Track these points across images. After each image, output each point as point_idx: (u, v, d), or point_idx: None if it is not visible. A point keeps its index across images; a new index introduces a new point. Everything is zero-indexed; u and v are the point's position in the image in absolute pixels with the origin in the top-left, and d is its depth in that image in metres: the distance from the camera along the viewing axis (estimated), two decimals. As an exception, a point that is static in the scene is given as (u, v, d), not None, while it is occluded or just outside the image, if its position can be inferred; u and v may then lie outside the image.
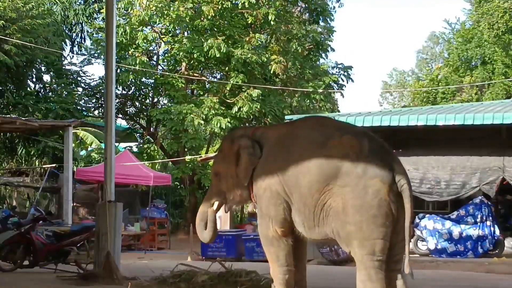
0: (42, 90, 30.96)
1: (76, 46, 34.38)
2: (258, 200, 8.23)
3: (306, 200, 7.60)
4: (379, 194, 7.23)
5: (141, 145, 31.23)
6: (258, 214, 8.38)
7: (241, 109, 25.65)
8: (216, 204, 8.78)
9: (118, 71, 25.47)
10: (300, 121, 8.96)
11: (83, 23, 33.27)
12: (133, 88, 29.56)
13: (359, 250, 7.29)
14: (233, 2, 26.75)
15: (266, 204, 8.06)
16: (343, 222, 7.34)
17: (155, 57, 29.45)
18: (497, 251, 18.60)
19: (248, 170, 8.28)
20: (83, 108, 30.21)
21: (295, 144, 7.85)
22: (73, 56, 34.06)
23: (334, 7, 31.00)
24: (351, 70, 30.59)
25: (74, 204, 23.47)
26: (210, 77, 29.51)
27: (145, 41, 27.06)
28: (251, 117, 27.24)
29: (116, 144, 23.73)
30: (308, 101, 29.76)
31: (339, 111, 33.80)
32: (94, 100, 30.53)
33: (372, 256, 7.20)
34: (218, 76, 29.71)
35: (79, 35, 34.13)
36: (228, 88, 26.74)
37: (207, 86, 28.43)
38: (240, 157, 8.37)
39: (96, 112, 31.05)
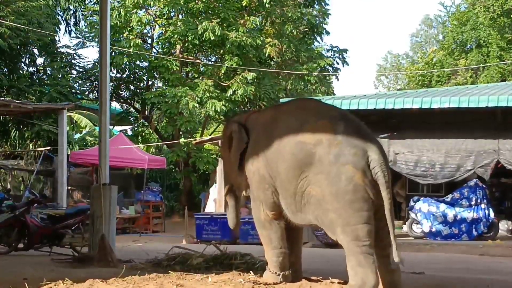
0: (35, 73, 30.86)
1: (69, 28, 34.27)
2: (250, 183, 8.24)
3: (286, 186, 7.57)
4: (352, 180, 7.12)
5: (135, 128, 31.19)
6: (251, 197, 8.38)
7: (236, 92, 25.63)
8: (227, 188, 8.81)
9: (113, 54, 25.39)
10: (285, 104, 8.95)
11: (76, 8, 33.13)
12: (127, 71, 29.50)
13: (343, 236, 7.21)
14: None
15: (256, 188, 8.07)
16: (324, 210, 7.27)
17: (150, 40, 29.39)
18: (491, 233, 18.68)
19: (236, 155, 8.29)
20: (78, 91, 30.15)
21: (276, 128, 7.81)
22: (69, 38, 34.05)
23: (329, -10, 30.97)
24: (346, 53, 30.59)
25: (69, 187, 23.47)
26: (205, 60, 29.47)
27: (139, 23, 26.99)
28: (246, 100, 27.22)
29: (111, 127, 23.74)
30: (302, 84, 29.73)
31: (334, 94, 33.76)
32: (88, 83, 30.47)
33: (358, 241, 7.11)
34: (213, 59, 29.68)
35: (72, 18, 33.99)
36: (222, 71, 26.72)
37: (201, 69, 28.39)
38: (233, 141, 8.38)
39: (90, 95, 31.00)
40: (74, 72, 30.71)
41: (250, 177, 8.12)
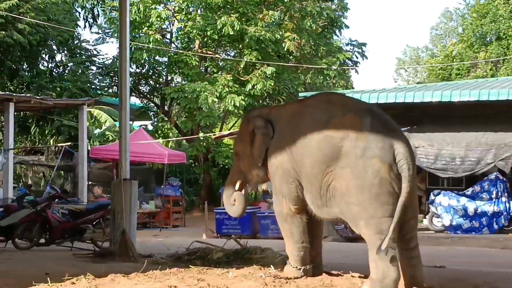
0: (55, 69, 31.02)
1: (88, 24, 34.41)
2: (272, 177, 8.23)
3: (311, 180, 7.56)
4: (379, 174, 7.13)
5: (155, 124, 31.26)
6: (273, 191, 8.38)
7: (255, 86, 25.62)
8: (238, 183, 8.75)
9: (132, 49, 25.47)
10: (310, 98, 8.88)
11: (94, 5, 33.27)
12: (147, 66, 29.61)
13: (366, 230, 7.22)
14: (247, -21, 26.69)
15: (279, 182, 8.05)
16: (348, 203, 7.27)
17: (169, 35, 29.44)
18: (512, 227, 18.60)
19: (261, 150, 8.26)
20: (97, 87, 30.31)
21: (302, 122, 7.79)
22: (90, 32, 34.28)
23: (348, -16, 30.90)
24: (365, 47, 30.55)
25: (89, 182, 23.57)
26: (224, 55, 29.49)
27: (158, 19, 27.03)
28: (265, 94, 27.21)
29: (131, 122, 23.79)
30: (322, 78, 29.70)
31: (353, 88, 33.73)
32: (108, 79, 30.60)
33: (380, 235, 7.10)
34: (232, 54, 29.69)
35: (90, 14, 34.12)
36: (241, 66, 26.72)
37: (220, 64, 28.41)
38: (255, 137, 8.34)
39: (110, 91, 31.12)
40: (94, 68, 30.89)
41: (273, 171, 8.10)
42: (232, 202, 8.77)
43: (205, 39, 27.40)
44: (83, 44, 31.55)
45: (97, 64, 30.93)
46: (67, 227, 14.18)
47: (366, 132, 7.27)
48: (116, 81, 28.78)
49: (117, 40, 27.12)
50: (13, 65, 27.93)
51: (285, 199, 8.01)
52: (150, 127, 30.93)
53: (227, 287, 6.91)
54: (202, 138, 27.03)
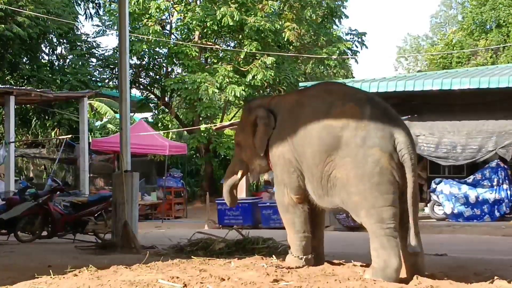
0: (56, 62, 30.99)
1: (88, 15, 34.32)
2: (274, 167, 8.22)
3: (312, 170, 7.56)
4: (379, 163, 7.12)
5: (156, 115, 31.25)
6: (275, 181, 8.38)
7: (256, 77, 25.62)
8: (240, 173, 8.76)
9: (132, 41, 25.41)
10: (310, 88, 8.86)
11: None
12: (146, 58, 29.57)
13: (367, 219, 7.21)
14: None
15: (281, 172, 8.05)
16: (349, 193, 7.26)
17: (168, 26, 29.42)
18: (513, 214, 18.61)
19: (263, 141, 8.25)
20: (98, 79, 30.28)
21: (302, 112, 7.78)
22: (91, 25, 34.12)
23: (347, -27, 30.84)
24: (365, 36, 30.50)
25: (91, 174, 23.59)
26: (224, 46, 29.47)
27: (158, 10, 27.01)
28: (266, 84, 27.19)
29: (131, 114, 23.78)
30: (322, 67, 29.68)
31: (353, 77, 33.68)
32: (108, 71, 30.57)
33: (381, 224, 7.11)
34: (232, 44, 29.66)
35: (89, 5, 34.03)
36: (242, 56, 26.70)
37: (220, 54, 28.39)
38: (257, 127, 8.34)
39: (110, 83, 31.10)
40: (94, 60, 30.85)
41: (275, 161, 8.10)
42: (229, 191, 8.82)
43: (205, 30, 27.38)
44: (83, 36, 31.50)
45: (97, 56, 30.89)
46: (69, 219, 14.21)
47: (366, 121, 7.25)
48: (116, 73, 28.73)
49: (116, 32, 27.10)
50: (13, 58, 27.91)
51: (287, 189, 8.01)
52: (151, 119, 30.91)
53: (229, 278, 6.90)
54: (203, 129, 27.03)
